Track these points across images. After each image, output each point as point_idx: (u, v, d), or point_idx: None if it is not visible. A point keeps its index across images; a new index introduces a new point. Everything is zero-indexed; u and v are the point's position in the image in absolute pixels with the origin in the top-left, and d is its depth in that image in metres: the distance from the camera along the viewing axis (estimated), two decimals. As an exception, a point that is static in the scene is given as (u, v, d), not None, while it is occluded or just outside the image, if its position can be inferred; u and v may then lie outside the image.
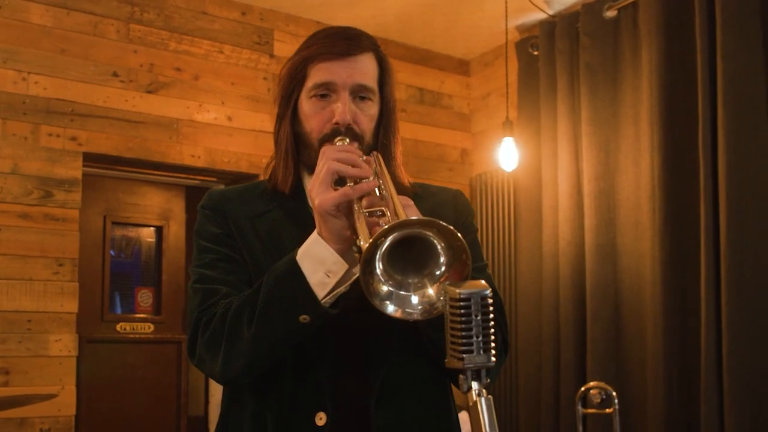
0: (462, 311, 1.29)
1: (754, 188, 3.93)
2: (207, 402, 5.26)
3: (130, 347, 4.97)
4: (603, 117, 4.70)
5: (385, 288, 1.42)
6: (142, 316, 5.08)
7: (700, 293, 4.04)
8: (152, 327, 5.07)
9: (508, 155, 4.83)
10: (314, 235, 1.61)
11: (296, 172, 1.82)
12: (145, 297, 5.12)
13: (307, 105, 1.78)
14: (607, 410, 4.09)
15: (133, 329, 4.99)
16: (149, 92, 4.70)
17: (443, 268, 1.42)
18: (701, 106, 4.09)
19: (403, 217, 1.45)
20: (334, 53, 1.75)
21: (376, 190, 1.58)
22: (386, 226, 1.38)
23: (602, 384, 4.12)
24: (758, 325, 3.86)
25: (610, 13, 4.71)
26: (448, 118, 5.86)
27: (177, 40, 4.84)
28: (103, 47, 4.59)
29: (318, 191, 1.58)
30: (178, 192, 5.26)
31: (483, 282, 1.33)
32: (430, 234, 1.40)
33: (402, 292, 1.43)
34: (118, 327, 4.93)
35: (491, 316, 1.30)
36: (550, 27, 5.08)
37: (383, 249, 1.39)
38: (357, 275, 1.47)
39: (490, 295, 1.30)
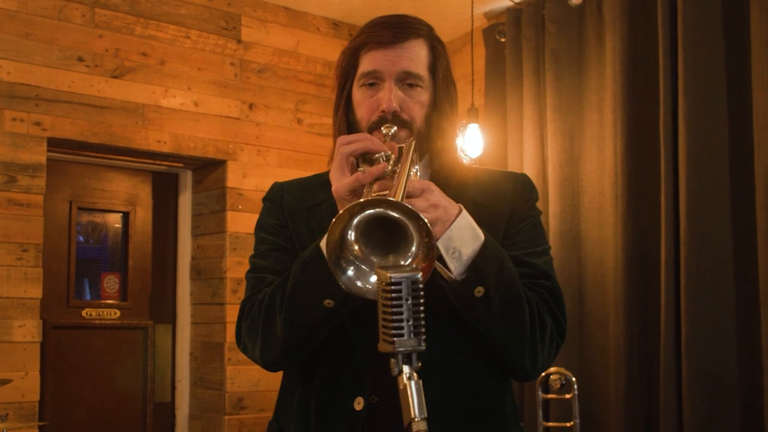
0: (393, 295, 1.29)
1: (714, 176, 3.97)
2: (173, 388, 5.26)
3: (95, 333, 4.94)
4: (568, 104, 4.73)
5: (351, 256, 1.45)
6: (108, 302, 5.05)
7: (660, 280, 4.09)
8: (118, 313, 5.05)
9: (472, 142, 4.84)
10: None
11: None
12: (111, 283, 5.10)
13: (357, 94, 1.80)
14: (567, 395, 4.13)
15: (99, 315, 4.97)
16: (115, 77, 4.68)
17: (410, 260, 1.42)
18: (662, 94, 4.14)
19: (397, 197, 1.45)
20: (381, 42, 1.76)
21: (396, 175, 1.59)
22: (353, 203, 1.41)
23: (562, 369, 4.17)
24: (716, 312, 3.91)
25: (576, 1, 4.74)
26: (416, 104, 5.85)
27: (143, 25, 4.81)
28: (68, 32, 4.56)
29: (334, 177, 1.64)
30: (144, 178, 5.24)
31: (415, 267, 1.34)
32: (399, 215, 1.41)
33: (364, 267, 1.45)
34: (83, 313, 4.91)
35: (422, 300, 1.31)
36: (516, 14, 5.10)
37: (356, 221, 1.42)
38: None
39: (422, 280, 1.31)
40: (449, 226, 1.58)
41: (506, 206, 1.80)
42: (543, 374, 4.21)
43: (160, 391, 5.20)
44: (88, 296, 5.06)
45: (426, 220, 1.39)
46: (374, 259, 1.45)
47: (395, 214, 1.41)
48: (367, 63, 1.77)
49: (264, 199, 1.91)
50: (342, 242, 1.44)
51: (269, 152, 5.21)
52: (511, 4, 5.16)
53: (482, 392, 1.75)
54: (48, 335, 4.57)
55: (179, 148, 4.87)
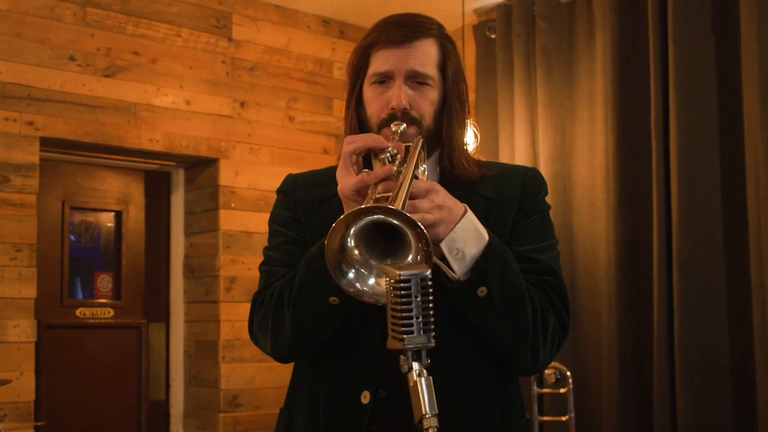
0: (402, 292, 1.31)
1: (704, 169, 4.00)
2: (168, 386, 5.26)
3: (89, 332, 4.94)
4: (558, 100, 4.76)
5: (351, 261, 1.48)
6: (101, 301, 5.05)
7: (652, 273, 4.12)
8: (112, 312, 5.05)
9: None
10: None
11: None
12: (104, 282, 5.10)
13: (368, 91, 1.83)
14: (562, 390, 4.16)
15: (93, 314, 4.97)
16: (107, 76, 4.68)
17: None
18: (653, 89, 4.17)
19: (397, 203, 1.47)
20: (391, 41, 1.79)
21: (403, 176, 1.60)
22: (346, 213, 1.45)
23: (557, 364, 4.19)
24: (708, 304, 3.94)
25: (566, -3, 4.76)
26: (407, 101, 5.86)
27: (134, 24, 4.81)
28: (59, 31, 4.56)
29: (340, 177, 1.68)
30: (137, 176, 5.24)
31: (424, 264, 1.36)
32: (396, 221, 1.43)
33: (363, 270, 1.48)
34: (77, 312, 4.91)
35: (431, 297, 1.32)
36: (506, 10, 5.12)
37: (353, 230, 1.46)
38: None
39: (430, 276, 1.33)
40: (453, 227, 1.61)
41: (515, 201, 1.81)
42: (537, 368, 4.25)
43: (155, 389, 5.21)
44: (81, 296, 5.06)
45: (423, 228, 1.41)
46: (373, 263, 1.48)
47: (393, 221, 1.43)
48: (377, 62, 1.81)
49: (278, 191, 1.94)
50: (342, 249, 1.47)
51: (261, 150, 5.21)
52: (501, 0, 5.17)
53: (485, 387, 1.77)
54: (42, 335, 4.57)
55: (171, 147, 4.87)
